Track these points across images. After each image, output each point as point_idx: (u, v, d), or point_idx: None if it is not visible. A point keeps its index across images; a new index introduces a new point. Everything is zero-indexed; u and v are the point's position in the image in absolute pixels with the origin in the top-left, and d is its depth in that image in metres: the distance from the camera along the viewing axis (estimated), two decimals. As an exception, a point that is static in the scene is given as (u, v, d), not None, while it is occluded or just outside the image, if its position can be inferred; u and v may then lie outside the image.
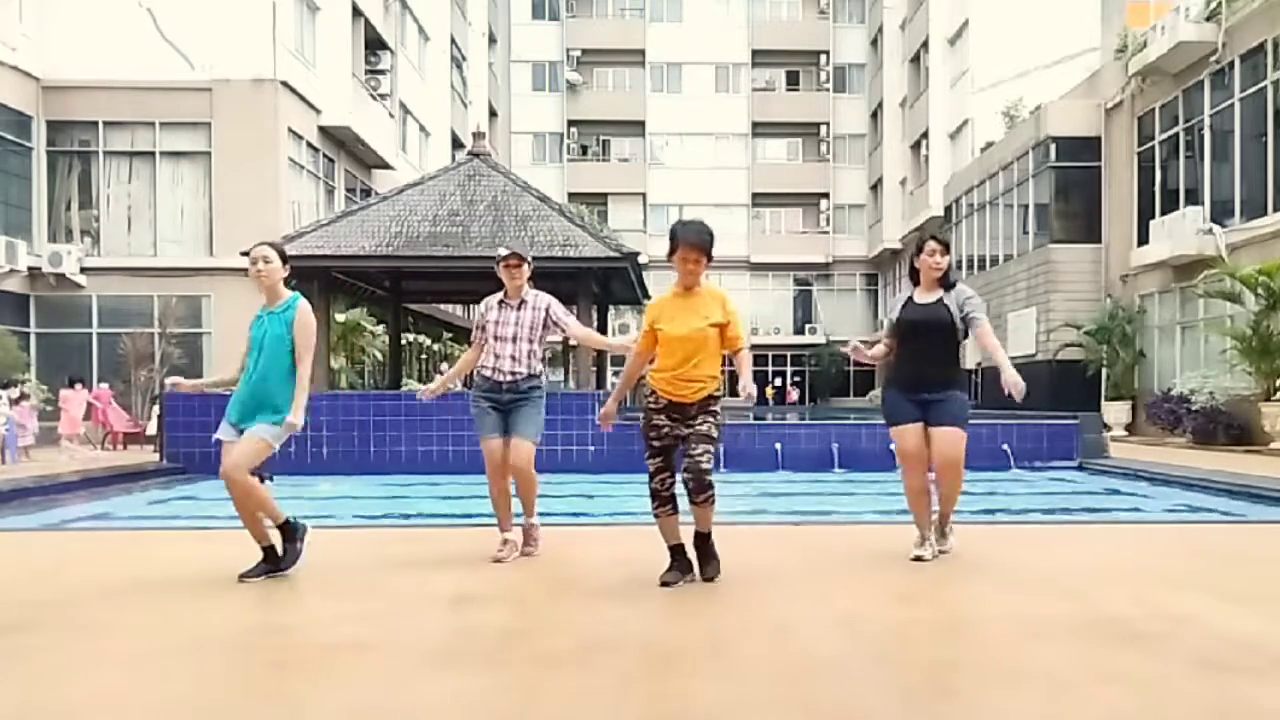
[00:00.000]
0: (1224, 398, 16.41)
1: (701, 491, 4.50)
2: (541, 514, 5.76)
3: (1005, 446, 11.44)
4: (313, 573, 4.99)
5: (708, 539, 4.69)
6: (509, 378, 5.35)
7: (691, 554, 4.70)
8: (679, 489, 4.62)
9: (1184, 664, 3.26)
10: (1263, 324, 15.66)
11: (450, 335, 30.99)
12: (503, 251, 5.42)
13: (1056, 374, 21.59)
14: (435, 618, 4.02)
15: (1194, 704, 2.90)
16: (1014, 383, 4.88)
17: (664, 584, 4.52)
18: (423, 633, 3.77)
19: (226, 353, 19.62)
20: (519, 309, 5.41)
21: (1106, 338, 20.95)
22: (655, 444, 4.61)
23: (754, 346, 46.00)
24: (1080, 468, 11.31)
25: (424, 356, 29.67)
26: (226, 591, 4.63)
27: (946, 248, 5.28)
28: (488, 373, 5.39)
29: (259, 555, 4.88)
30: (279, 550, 4.89)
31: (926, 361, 5.20)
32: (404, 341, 22.27)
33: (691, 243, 4.59)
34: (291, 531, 4.95)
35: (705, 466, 4.49)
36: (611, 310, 22.80)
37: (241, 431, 4.81)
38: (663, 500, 4.63)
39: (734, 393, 4.84)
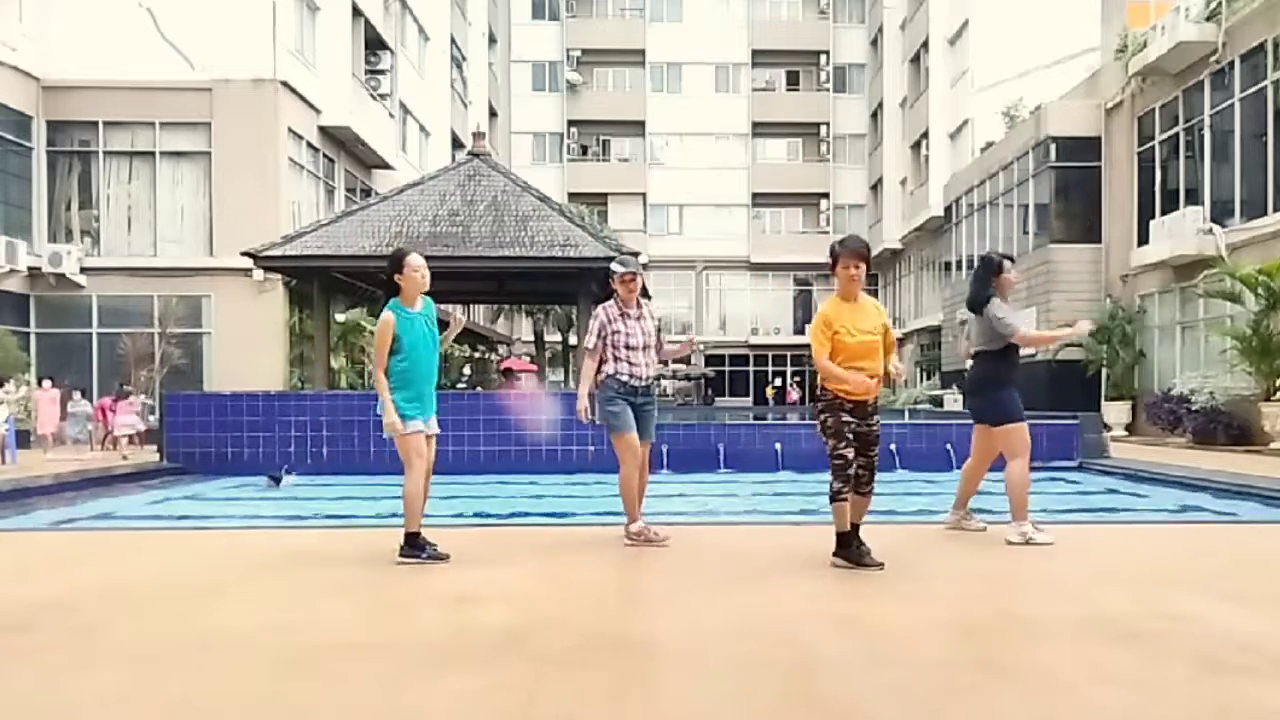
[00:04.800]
0: (1224, 398, 16.41)
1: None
2: (541, 514, 5.77)
3: (1005, 446, 11.43)
4: (313, 573, 4.99)
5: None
6: (645, 382, 5.87)
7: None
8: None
9: (1184, 664, 3.26)
10: (1263, 324, 15.65)
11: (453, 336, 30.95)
12: (619, 269, 5.95)
13: (1056, 374, 21.60)
14: (435, 618, 4.02)
15: (1194, 704, 2.90)
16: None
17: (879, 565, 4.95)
18: (423, 633, 3.77)
19: (227, 352, 19.68)
20: (639, 320, 5.93)
21: (1106, 338, 20.94)
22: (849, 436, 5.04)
23: (754, 346, 46.00)
24: (1080, 468, 11.30)
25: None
26: (227, 591, 4.63)
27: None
28: (625, 377, 5.84)
29: (256, 556, 4.89)
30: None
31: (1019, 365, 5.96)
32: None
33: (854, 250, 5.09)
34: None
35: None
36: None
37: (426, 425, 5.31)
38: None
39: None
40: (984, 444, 6.07)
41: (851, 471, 5.00)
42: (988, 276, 5.93)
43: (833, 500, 5.00)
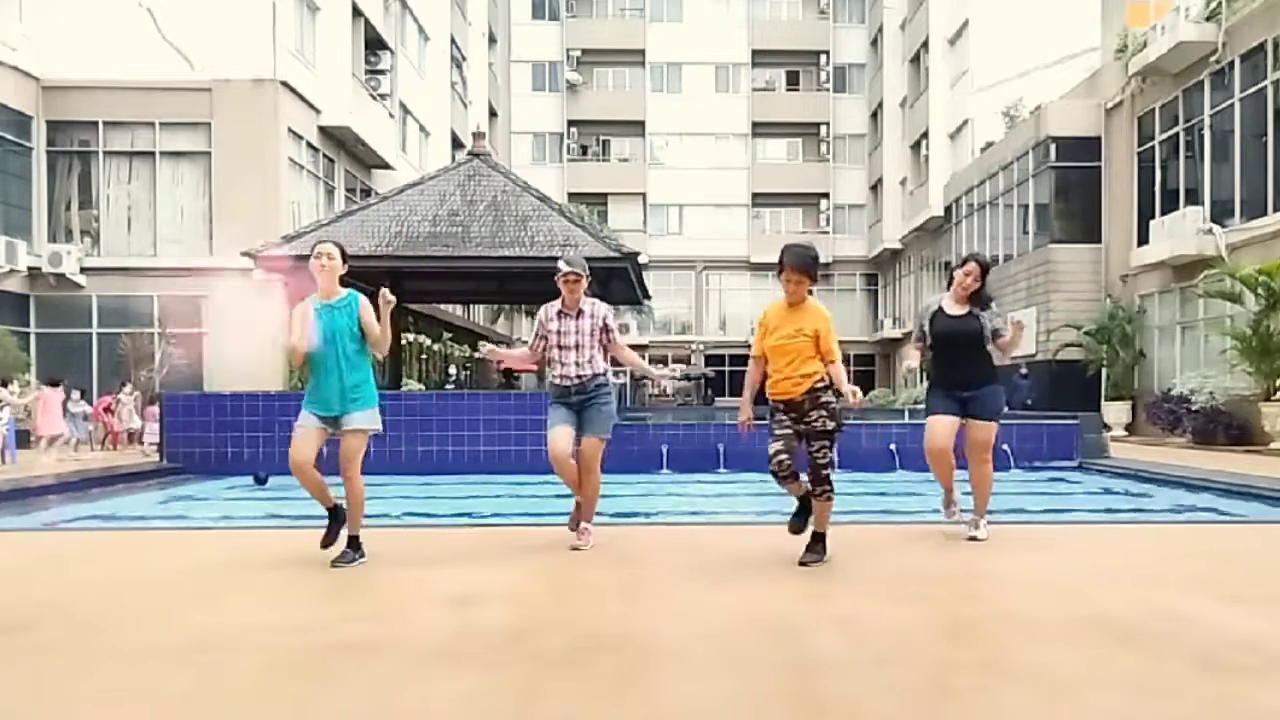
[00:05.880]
0: (1224, 398, 16.41)
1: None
2: (542, 513, 5.77)
3: (1005, 447, 11.41)
4: (313, 573, 4.99)
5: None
6: (576, 381, 5.72)
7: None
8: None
9: (1184, 664, 3.26)
10: (1263, 324, 15.66)
11: (450, 335, 30.99)
12: (564, 267, 5.72)
13: (1056, 374, 21.61)
14: (435, 618, 4.02)
15: (1194, 704, 2.90)
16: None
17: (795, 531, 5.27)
18: (423, 633, 3.77)
19: (227, 352, 19.65)
20: (578, 318, 5.76)
21: (1106, 338, 20.95)
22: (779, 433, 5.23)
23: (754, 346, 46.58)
24: (1080, 468, 11.30)
25: (424, 356, 29.67)
26: (227, 591, 4.63)
27: (985, 272, 5.90)
28: (557, 380, 5.78)
29: (256, 556, 4.89)
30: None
31: (961, 365, 5.91)
32: (404, 341, 22.26)
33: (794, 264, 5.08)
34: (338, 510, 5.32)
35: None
36: (611, 310, 22.78)
37: (329, 420, 5.16)
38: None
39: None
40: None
41: (775, 466, 5.16)
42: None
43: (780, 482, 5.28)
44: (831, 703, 2.91)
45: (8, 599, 4.48)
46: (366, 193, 24.96)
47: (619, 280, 16.49)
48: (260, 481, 9.95)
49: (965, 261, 5.93)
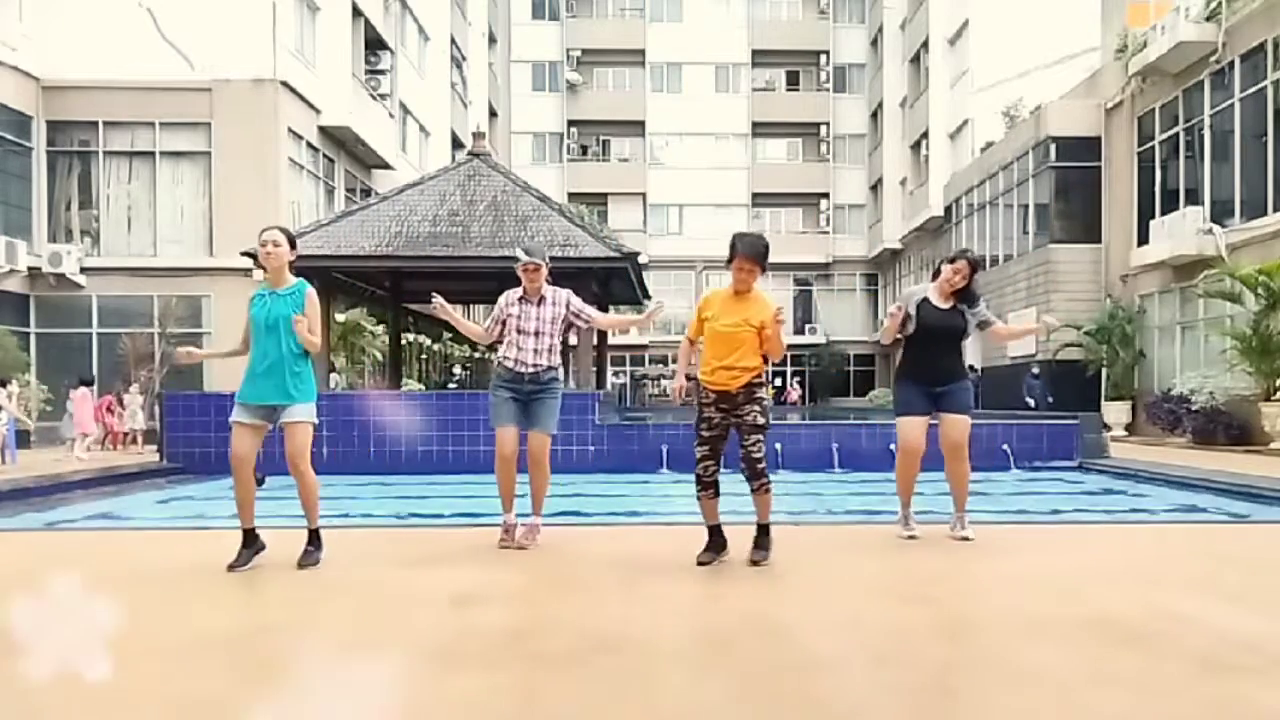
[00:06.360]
0: (1224, 398, 16.41)
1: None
2: (542, 514, 5.77)
3: (1005, 447, 11.44)
4: (313, 572, 4.99)
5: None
6: (531, 369, 5.62)
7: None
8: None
9: (1184, 664, 3.26)
10: (1263, 324, 15.65)
11: (450, 335, 30.98)
12: (522, 257, 5.66)
13: (1056, 374, 21.61)
14: (435, 618, 4.02)
15: (1194, 704, 2.90)
16: (1046, 322, 6.22)
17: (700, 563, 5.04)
18: (423, 633, 3.77)
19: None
20: (539, 305, 5.68)
21: (1106, 338, 20.95)
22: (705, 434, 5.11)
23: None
24: (1080, 468, 11.29)
25: (424, 356, 29.68)
26: (227, 591, 4.63)
27: (974, 270, 5.80)
28: (510, 364, 5.65)
29: (260, 554, 4.88)
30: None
31: (939, 359, 5.85)
32: (404, 341, 22.28)
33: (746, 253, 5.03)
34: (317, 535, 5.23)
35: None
36: (611, 310, 22.80)
37: (266, 412, 5.06)
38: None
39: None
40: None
41: (701, 470, 5.08)
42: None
43: (697, 497, 5.17)
44: (831, 703, 2.91)
45: (7, 599, 4.47)
46: (366, 193, 24.97)
47: (619, 280, 16.51)
48: (258, 482, 9.94)
49: (955, 259, 5.85)
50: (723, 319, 5.02)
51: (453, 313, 5.89)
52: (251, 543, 5.11)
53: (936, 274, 5.95)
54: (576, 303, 5.82)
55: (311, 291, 5.21)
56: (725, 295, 5.13)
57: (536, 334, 5.64)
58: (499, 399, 5.65)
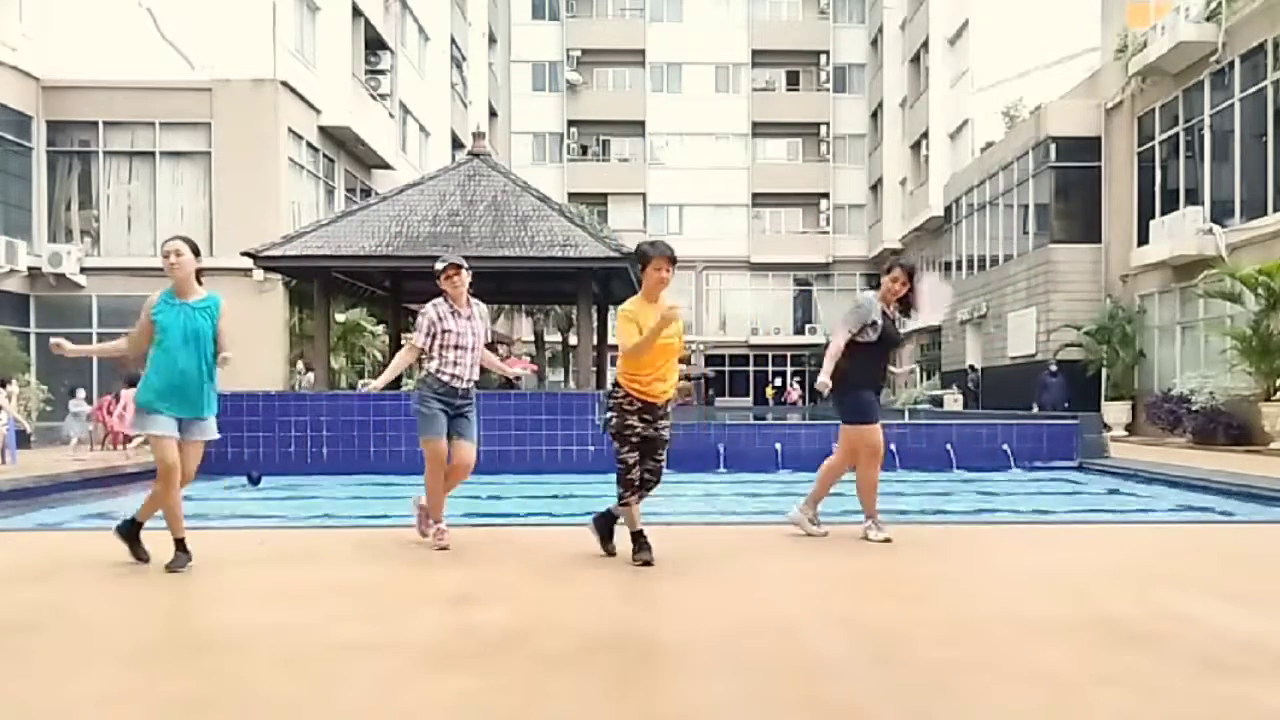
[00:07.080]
0: (1224, 398, 16.40)
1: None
2: (544, 514, 5.77)
3: (1005, 447, 11.44)
4: (313, 573, 4.99)
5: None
6: (466, 384, 5.72)
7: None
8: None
9: (1185, 664, 3.26)
10: (1263, 324, 15.65)
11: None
12: (439, 265, 5.63)
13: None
14: (435, 618, 4.02)
15: (1195, 704, 2.90)
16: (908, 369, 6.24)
17: (647, 563, 4.99)
18: (423, 633, 3.77)
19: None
20: (470, 319, 5.71)
21: (1106, 338, 20.93)
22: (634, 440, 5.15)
23: (754, 346, 45.91)
24: (1080, 468, 11.30)
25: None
26: (226, 591, 4.63)
27: (911, 278, 5.93)
28: (447, 378, 5.67)
29: (255, 556, 4.88)
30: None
31: (884, 367, 6.09)
32: (404, 341, 22.24)
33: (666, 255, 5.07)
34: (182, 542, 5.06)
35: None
36: (611, 310, 22.82)
37: (183, 424, 4.97)
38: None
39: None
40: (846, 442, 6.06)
41: (634, 476, 5.12)
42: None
43: (619, 504, 5.18)
44: (831, 703, 2.91)
45: (8, 599, 4.47)
46: (366, 193, 24.96)
47: (619, 280, 16.49)
48: (254, 481, 9.95)
49: (892, 268, 5.97)
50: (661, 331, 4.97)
51: (386, 380, 5.97)
52: (185, 549, 5.02)
53: (877, 285, 6.07)
54: (488, 322, 5.90)
55: (226, 306, 5.21)
56: (643, 304, 5.09)
57: (472, 349, 5.70)
58: (431, 411, 5.68)
